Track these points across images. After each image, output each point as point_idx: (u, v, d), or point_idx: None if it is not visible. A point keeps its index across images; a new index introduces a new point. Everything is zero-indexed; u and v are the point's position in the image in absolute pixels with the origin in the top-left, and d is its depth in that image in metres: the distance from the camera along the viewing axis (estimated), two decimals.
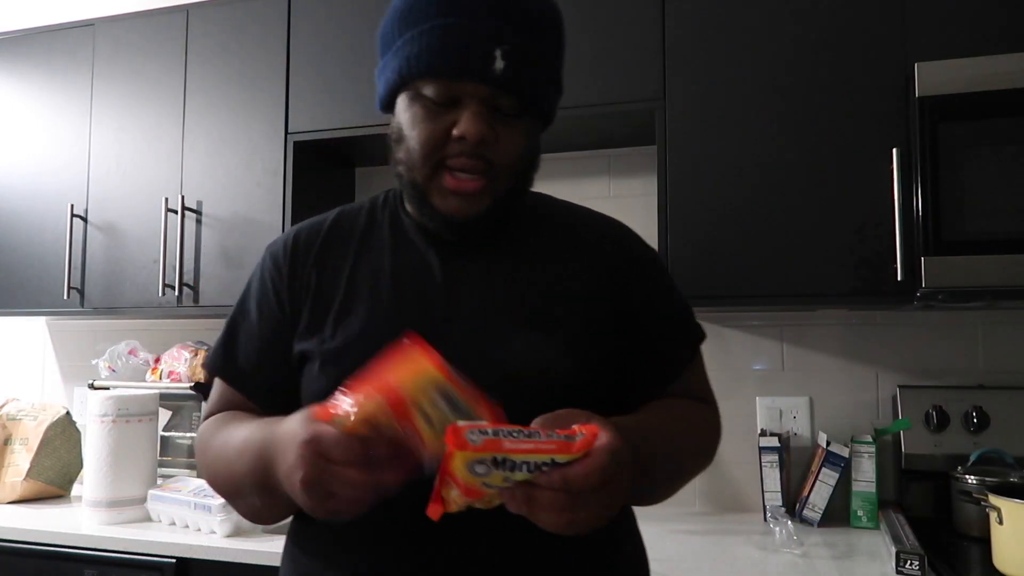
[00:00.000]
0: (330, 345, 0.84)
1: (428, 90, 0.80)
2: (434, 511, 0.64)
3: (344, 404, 0.65)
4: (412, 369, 0.65)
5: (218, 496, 1.01)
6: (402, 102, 0.84)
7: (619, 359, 0.89)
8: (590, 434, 0.65)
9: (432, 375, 0.65)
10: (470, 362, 0.75)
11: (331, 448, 0.64)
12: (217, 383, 0.94)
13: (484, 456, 0.62)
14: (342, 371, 0.75)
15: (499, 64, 0.78)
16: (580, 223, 0.96)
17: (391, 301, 0.85)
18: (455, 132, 0.79)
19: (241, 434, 0.82)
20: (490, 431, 0.63)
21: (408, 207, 0.91)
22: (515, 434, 0.64)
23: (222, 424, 0.88)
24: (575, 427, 0.66)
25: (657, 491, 0.84)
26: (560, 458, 0.63)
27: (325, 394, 0.73)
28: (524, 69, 0.80)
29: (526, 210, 0.94)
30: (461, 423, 0.63)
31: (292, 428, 0.69)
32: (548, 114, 0.89)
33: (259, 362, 0.90)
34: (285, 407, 0.81)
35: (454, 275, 0.86)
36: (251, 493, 0.80)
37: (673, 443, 0.85)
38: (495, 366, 0.79)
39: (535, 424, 0.68)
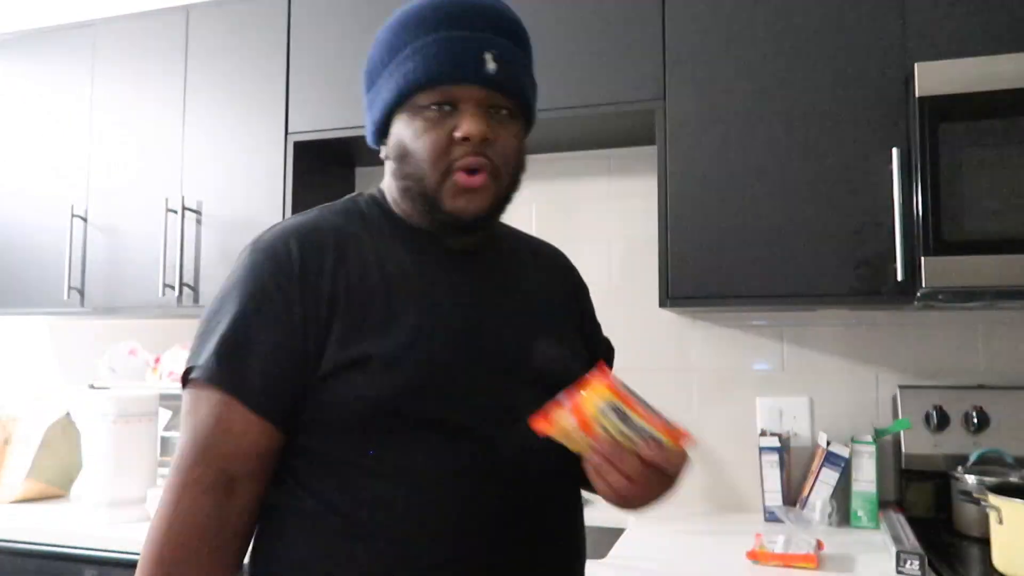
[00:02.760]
0: (392, 346, 0.83)
1: (426, 99, 0.86)
2: (537, 423, 0.79)
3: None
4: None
5: None
6: (401, 122, 0.88)
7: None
8: (684, 432, 0.78)
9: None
10: (508, 361, 0.89)
11: None
12: (203, 403, 0.85)
13: (618, 403, 0.76)
14: (409, 370, 0.83)
15: (491, 66, 0.86)
16: (538, 244, 1.08)
17: (434, 303, 0.88)
18: (458, 134, 0.85)
19: None
20: (630, 390, 0.78)
21: (412, 214, 0.92)
22: (646, 404, 0.78)
23: None
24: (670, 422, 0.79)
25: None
26: (664, 440, 0.77)
27: (395, 393, 0.82)
28: (513, 71, 0.88)
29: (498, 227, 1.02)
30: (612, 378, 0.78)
31: None
32: (533, 117, 0.97)
33: (278, 376, 0.83)
34: (287, 422, 0.84)
35: (466, 281, 0.92)
36: None
37: None
38: (527, 365, 0.90)
39: None
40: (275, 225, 0.92)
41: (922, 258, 1.47)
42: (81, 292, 2.16)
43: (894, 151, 1.54)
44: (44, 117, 2.26)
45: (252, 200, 2.02)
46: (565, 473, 0.90)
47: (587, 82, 1.77)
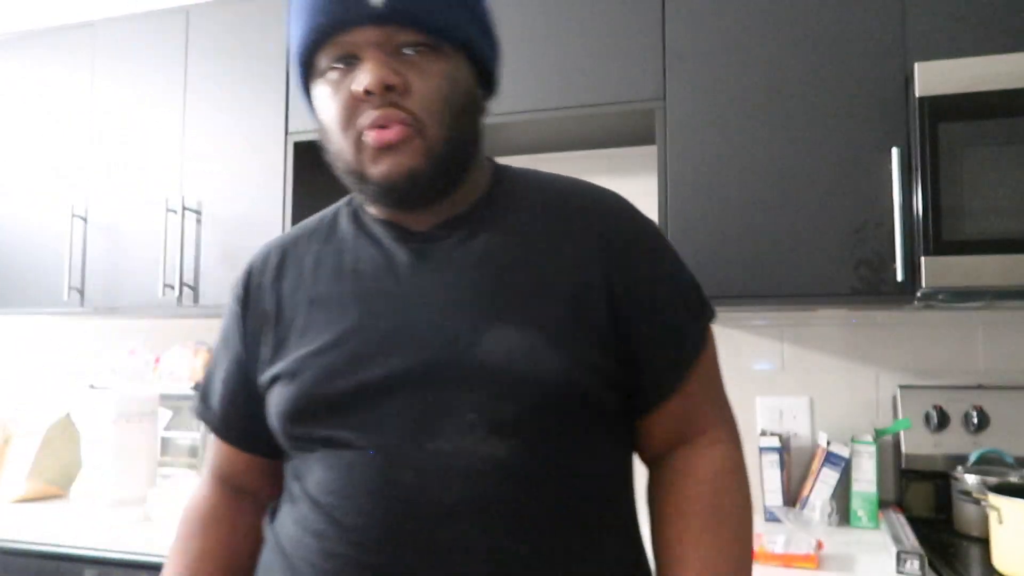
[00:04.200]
0: (292, 359, 0.78)
1: (325, 59, 0.73)
2: None
3: None
4: None
5: None
6: (316, 95, 0.77)
7: (618, 356, 0.77)
8: None
9: None
10: (441, 359, 0.72)
11: None
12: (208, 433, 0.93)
13: None
14: (304, 382, 0.76)
15: None
16: (562, 195, 0.82)
17: (353, 301, 0.77)
18: (354, 89, 0.71)
19: None
20: None
21: (366, 203, 0.84)
22: None
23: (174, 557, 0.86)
24: None
25: None
26: None
27: (290, 411, 0.76)
28: None
29: (495, 185, 0.83)
30: None
31: None
32: (469, 44, 0.76)
33: (229, 402, 0.87)
34: (256, 445, 0.87)
35: (420, 264, 0.78)
36: None
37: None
38: (472, 361, 0.71)
39: None
40: None
41: (922, 258, 1.47)
42: (81, 292, 2.16)
43: (894, 151, 1.54)
44: (44, 117, 2.26)
45: (252, 200, 2.02)
46: (518, 500, 0.70)
47: (587, 82, 1.77)
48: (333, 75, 0.73)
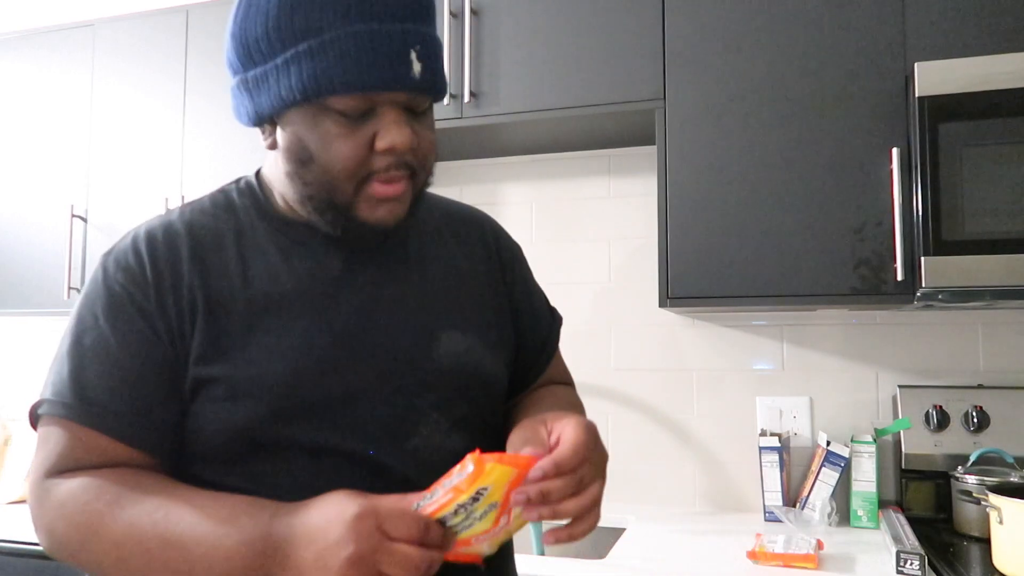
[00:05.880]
0: (248, 370, 0.74)
1: (341, 104, 0.73)
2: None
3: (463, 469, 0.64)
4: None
5: None
6: (301, 117, 0.75)
7: (511, 350, 0.94)
8: (476, 458, 0.64)
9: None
10: (403, 364, 0.80)
11: (393, 523, 0.63)
12: (56, 432, 0.75)
13: (443, 513, 0.65)
14: (268, 396, 0.74)
15: (416, 67, 0.74)
16: (457, 215, 0.97)
17: (304, 312, 0.78)
18: (380, 145, 0.74)
19: (197, 522, 0.68)
20: (416, 503, 0.66)
21: (309, 217, 0.81)
22: (428, 497, 0.65)
23: (124, 496, 0.71)
24: (459, 466, 0.65)
25: None
26: (471, 489, 0.63)
27: (247, 422, 0.73)
28: (436, 65, 0.76)
29: None
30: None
31: (333, 507, 0.64)
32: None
33: (131, 396, 0.74)
34: (164, 446, 0.76)
35: (357, 271, 0.82)
36: None
37: None
38: (430, 365, 0.81)
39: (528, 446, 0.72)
40: (130, 231, 0.83)
41: (922, 258, 1.47)
42: (81, 292, 2.16)
43: (894, 151, 1.54)
44: (44, 117, 2.26)
45: None
46: None
47: (587, 82, 1.77)
48: (344, 120, 0.74)
